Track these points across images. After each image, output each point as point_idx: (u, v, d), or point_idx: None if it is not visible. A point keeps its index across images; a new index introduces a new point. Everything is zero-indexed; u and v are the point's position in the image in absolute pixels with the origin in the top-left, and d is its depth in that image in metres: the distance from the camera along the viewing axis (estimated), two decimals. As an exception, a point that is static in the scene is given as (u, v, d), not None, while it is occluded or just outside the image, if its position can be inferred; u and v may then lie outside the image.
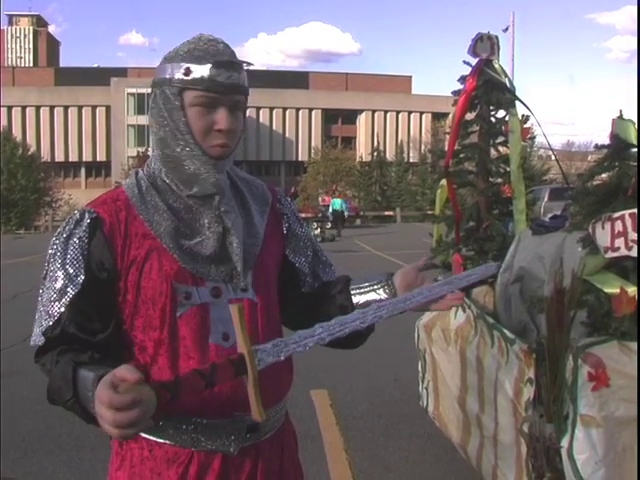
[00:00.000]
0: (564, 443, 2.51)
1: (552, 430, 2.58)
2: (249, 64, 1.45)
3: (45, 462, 4.20)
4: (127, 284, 1.41)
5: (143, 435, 1.42)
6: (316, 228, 25.11)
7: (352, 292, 1.57)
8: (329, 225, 28.91)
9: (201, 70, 1.39)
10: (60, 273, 1.39)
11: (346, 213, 30.43)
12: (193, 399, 1.23)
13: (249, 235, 1.51)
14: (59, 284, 1.39)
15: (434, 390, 4.12)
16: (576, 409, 2.48)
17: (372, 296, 1.53)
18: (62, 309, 1.38)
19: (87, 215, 1.42)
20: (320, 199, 35.95)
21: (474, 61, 4.33)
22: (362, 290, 1.56)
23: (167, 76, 1.42)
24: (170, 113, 1.41)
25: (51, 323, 1.38)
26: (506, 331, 3.05)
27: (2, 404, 5.01)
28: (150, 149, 1.52)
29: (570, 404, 2.51)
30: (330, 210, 30.14)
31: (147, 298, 1.40)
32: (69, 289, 1.38)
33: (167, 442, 1.42)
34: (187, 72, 1.39)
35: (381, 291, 1.53)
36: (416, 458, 4.23)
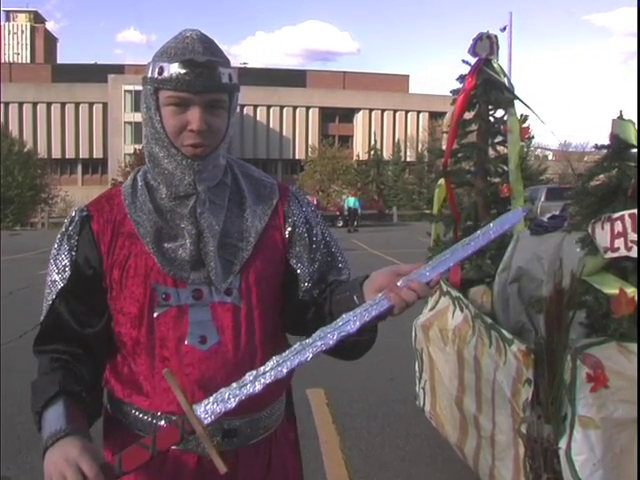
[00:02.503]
0: (562, 444, 2.51)
1: (550, 431, 2.58)
2: (218, 62, 1.38)
3: (39, 460, 4.15)
4: (112, 282, 1.44)
5: (123, 422, 1.48)
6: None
7: (336, 296, 1.43)
8: (340, 223, 32.57)
9: (171, 69, 1.36)
10: (52, 268, 1.47)
11: (359, 211, 32.85)
12: (138, 468, 1.26)
13: (239, 238, 1.46)
14: (51, 278, 1.47)
15: (431, 390, 4.11)
16: (574, 410, 2.48)
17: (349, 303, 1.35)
18: (50, 302, 1.45)
19: (79, 213, 1.48)
20: (344, 197, 37.65)
21: (473, 60, 4.32)
22: (341, 295, 1.42)
23: (148, 74, 1.41)
24: (149, 112, 1.41)
25: (45, 314, 1.47)
26: (504, 331, 3.04)
27: (-3, 401, 4.99)
28: None
29: (568, 405, 2.50)
30: (345, 208, 32.97)
31: (128, 296, 1.42)
32: (57, 283, 1.45)
33: (140, 434, 1.41)
34: (160, 71, 1.37)
35: (355, 298, 1.35)
36: (412, 458, 4.22)
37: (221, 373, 1.40)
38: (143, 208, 1.44)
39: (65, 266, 1.45)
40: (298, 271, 1.52)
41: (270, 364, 1.25)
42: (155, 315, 1.41)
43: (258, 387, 1.23)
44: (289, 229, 1.54)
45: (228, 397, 1.23)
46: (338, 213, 35.33)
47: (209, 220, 1.42)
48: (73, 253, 1.45)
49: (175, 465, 1.42)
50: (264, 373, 1.24)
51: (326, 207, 37.71)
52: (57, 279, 1.45)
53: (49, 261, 1.49)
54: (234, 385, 1.24)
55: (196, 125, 1.36)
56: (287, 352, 1.26)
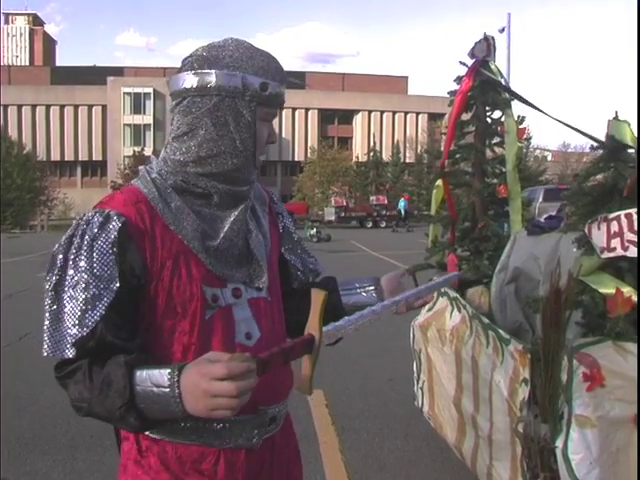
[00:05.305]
0: (559, 443, 2.52)
1: (547, 430, 2.58)
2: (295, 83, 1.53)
3: (39, 462, 4.18)
4: (157, 289, 1.38)
5: (167, 439, 1.42)
6: (312, 228, 25.33)
7: (341, 293, 1.69)
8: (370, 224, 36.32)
9: (275, 87, 1.43)
10: (88, 280, 1.32)
11: (402, 212, 35.01)
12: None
13: (262, 235, 1.57)
14: (89, 292, 1.31)
15: (429, 390, 4.12)
16: (571, 409, 2.49)
17: (360, 297, 1.70)
18: (97, 318, 1.31)
19: (115, 218, 1.35)
20: (374, 198, 38.58)
21: (470, 62, 4.33)
22: (352, 291, 1.71)
23: (238, 86, 1.40)
24: (237, 124, 1.41)
25: (85, 334, 1.30)
26: (501, 331, 3.05)
27: (-4, 404, 4.99)
28: (177, 148, 1.45)
29: (565, 404, 2.51)
30: (398, 208, 35.44)
31: (177, 303, 1.39)
32: (104, 297, 1.32)
33: (193, 443, 1.42)
34: (264, 87, 1.41)
35: (372, 293, 1.70)
36: (411, 458, 4.23)
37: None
38: (181, 212, 1.42)
39: (111, 279, 1.32)
40: (292, 262, 1.70)
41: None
42: (207, 318, 1.41)
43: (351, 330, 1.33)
44: (282, 225, 1.70)
45: (334, 334, 1.29)
46: (366, 214, 36.67)
47: (257, 224, 1.55)
48: (118, 263, 1.33)
49: (228, 463, 1.44)
50: (351, 322, 1.33)
51: (354, 209, 38.59)
52: (101, 294, 1.31)
53: (70, 272, 1.33)
54: (330, 327, 1.28)
55: (276, 137, 1.52)
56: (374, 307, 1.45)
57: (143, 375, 1.23)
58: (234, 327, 1.44)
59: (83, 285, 1.31)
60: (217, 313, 1.42)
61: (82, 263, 1.32)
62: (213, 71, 1.40)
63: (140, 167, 1.54)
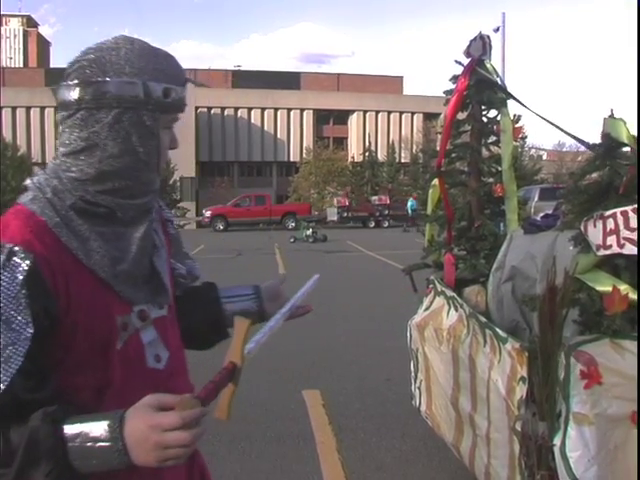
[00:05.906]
0: (557, 441, 2.52)
1: (545, 428, 2.59)
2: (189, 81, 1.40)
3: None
4: (70, 326, 1.21)
5: None
6: (308, 228, 25.33)
7: (223, 301, 1.69)
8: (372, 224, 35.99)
9: (177, 92, 1.30)
10: None
11: (410, 212, 34.22)
12: None
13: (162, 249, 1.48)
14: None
15: (426, 389, 4.12)
16: (569, 407, 2.49)
17: (242, 305, 1.68)
18: (13, 372, 1.12)
19: (20, 254, 1.16)
20: (376, 198, 38.43)
21: (466, 61, 4.33)
22: (233, 299, 1.70)
23: (140, 95, 1.25)
24: (140, 136, 1.27)
25: (1, 392, 1.11)
26: (498, 330, 3.06)
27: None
28: (72, 164, 1.28)
29: (563, 402, 2.52)
30: (406, 208, 34.89)
31: (89, 337, 1.24)
32: (19, 347, 1.13)
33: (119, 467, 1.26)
34: (167, 93, 1.28)
35: (253, 302, 1.70)
36: (409, 458, 4.23)
37: (180, 384, 1.39)
38: (87, 238, 1.26)
39: (23, 325, 1.13)
40: (178, 271, 1.62)
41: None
42: (118, 348, 1.28)
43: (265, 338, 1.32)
44: (172, 233, 1.60)
45: (249, 351, 1.24)
46: (368, 214, 36.64)
47: (158, 237, 1.44)
48: (29, 306, 1.15)
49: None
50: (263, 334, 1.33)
51: (356, 209, 38.65)
52: (12, 343, 1.12)
53: None
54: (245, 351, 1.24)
55: (177, 143, 1.37)
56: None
57: (74, 430, 1.10)
58: (144, 352, 1.34)
59: None
60: (127, 341, 1.30)
61: None
62: (109, 79, 1.24)
63: (27, 182, 1.34)
